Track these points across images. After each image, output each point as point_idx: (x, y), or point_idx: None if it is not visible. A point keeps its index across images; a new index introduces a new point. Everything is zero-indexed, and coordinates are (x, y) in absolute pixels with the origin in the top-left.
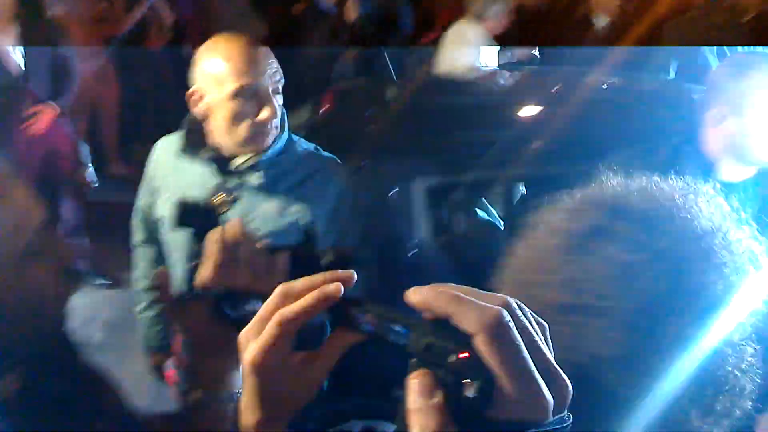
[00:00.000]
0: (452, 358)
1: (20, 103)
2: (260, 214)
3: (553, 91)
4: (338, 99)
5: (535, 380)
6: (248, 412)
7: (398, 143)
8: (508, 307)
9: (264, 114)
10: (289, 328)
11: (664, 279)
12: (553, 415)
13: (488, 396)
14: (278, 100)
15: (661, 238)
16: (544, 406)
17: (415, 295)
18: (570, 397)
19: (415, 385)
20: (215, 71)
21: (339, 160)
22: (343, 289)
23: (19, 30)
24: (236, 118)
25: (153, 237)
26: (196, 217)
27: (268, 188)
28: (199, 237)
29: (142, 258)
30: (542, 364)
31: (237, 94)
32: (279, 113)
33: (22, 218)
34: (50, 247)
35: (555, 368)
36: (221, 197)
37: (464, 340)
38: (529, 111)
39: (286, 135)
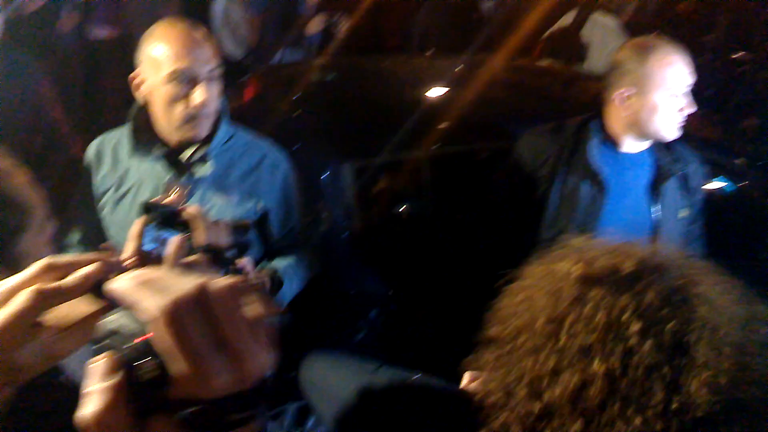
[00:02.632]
0: (132, 341)
1: None
2: (215, 205)
3: (455, 71)
4: (262, 85)
5: (203, 362)
6: None
7: (327, 126)
8: (200, 290)
9: (197, 98)
10: (43, 303)
11: None
12: (234, 391)
13: (164, 376)
14: (213, 87)
15: None
16: (215, 385)
17: (109, 287)
18: (263, 372)
19: (95, 368)
20: (155, 55)
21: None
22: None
23: None
24: (171, 102)
25: (89, 237)
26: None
27: (219, 179)
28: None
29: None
30: (233, 341)
31: (172, 78)
32: (213, 99)
33: None
34: None
35: (248, 345)
36: (176, 192)
37: (144, 324)
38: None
39: (227, 124)
